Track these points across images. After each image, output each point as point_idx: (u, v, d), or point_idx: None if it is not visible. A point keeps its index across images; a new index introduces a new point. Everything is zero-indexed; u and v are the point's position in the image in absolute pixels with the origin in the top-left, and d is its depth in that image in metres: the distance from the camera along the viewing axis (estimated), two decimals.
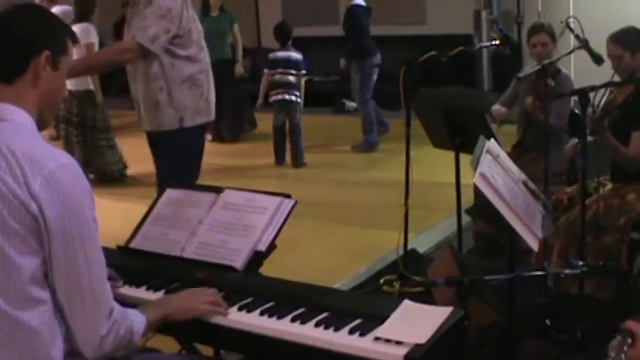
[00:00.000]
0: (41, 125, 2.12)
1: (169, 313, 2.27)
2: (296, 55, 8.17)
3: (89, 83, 7.45)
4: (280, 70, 8.06)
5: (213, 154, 8.36)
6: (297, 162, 8.17)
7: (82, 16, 7.54)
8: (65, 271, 1.95)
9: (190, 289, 2.39)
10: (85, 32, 7.28)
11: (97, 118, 7.59)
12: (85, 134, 7.56)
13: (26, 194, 1.90)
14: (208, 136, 8.98)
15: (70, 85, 7.24)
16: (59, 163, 1.96)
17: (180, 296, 2.35)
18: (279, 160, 8.24)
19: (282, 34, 8.24)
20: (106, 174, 7.74)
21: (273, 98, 8.13)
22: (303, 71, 8.21)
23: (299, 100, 8.15)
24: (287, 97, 8.05)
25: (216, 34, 8.73)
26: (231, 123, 9.44)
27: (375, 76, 8.69)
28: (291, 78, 8.07)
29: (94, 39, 7.46)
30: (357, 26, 8.60)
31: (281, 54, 8.13)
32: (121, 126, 9.43)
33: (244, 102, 9.42)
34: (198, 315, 2.30)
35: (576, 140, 4.45)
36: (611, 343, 1.94)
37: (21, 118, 2.04)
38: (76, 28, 7.21)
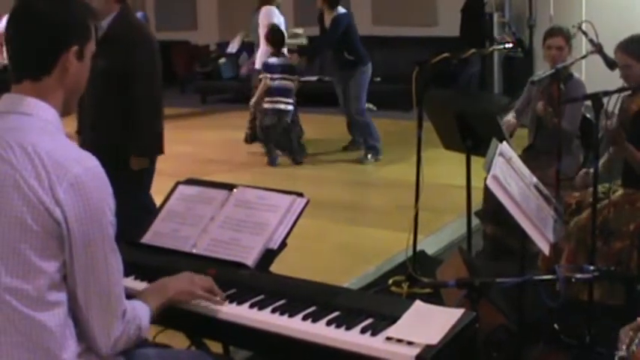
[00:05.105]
0: (66, 112, 2.09)
1: (170, 297, 2.30)
2: (290, 62, 8.22)
3: None
4: (278, 75, 7.97)
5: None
6: (299, 158, 8.16)
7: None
8: (84, 274, 1.95)
9: (188, 272, 2.40)
10: (268, 15, 8.37)
11: None
12: None
13: (51, 199, 1.88)
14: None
15: None
16: (84, 166, 1.93)
17: (178, 278, 2.37)
18: (273, 160, 8.10)
19: (277, 40, 8.17)
20: None
21: (268, 105, 7.98)
22: (297, 76, 8.19)
23: (292, 107, 8.05)
24: (282, 106, 7.95)
25: None
26: None
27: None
28: (289, 84, 8.02)
29: (276, 19, 8.36)
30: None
31: (276, 60, 8.07)
32: None
33: None
34: (193, 299, 2.34)
35: (586, 170, 4.47)
36: (623, 329, 1.94)
37: (46, 113, 2.00)
38: (262, 10, 8.49)
